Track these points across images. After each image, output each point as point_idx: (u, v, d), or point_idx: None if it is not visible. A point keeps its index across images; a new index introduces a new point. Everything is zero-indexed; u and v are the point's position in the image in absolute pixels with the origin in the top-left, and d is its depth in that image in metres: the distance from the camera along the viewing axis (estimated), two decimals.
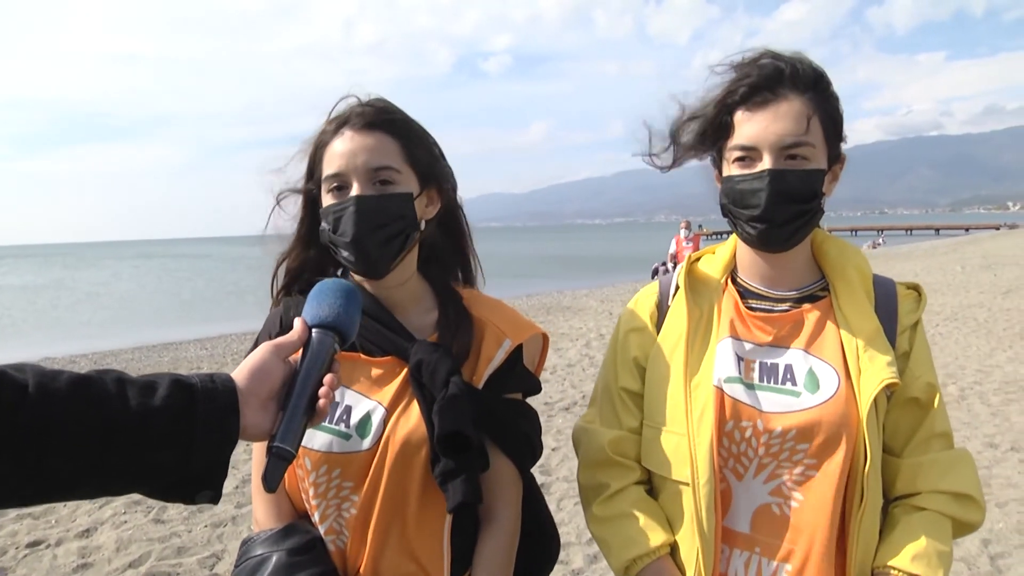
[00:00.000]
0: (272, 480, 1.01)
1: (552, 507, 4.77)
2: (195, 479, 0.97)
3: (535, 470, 5.14)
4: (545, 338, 1.56)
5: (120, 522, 4.81)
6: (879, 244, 52.99)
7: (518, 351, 1.47)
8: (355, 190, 1.37)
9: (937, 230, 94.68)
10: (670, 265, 15.56)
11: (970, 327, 11.74)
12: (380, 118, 1.41)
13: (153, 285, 41.33)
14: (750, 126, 1.36)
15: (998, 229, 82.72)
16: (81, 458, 0.88)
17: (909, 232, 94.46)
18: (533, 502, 1.55)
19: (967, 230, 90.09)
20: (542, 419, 6.24)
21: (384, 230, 1.37)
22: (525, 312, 16.45)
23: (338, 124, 1.41)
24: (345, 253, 1.39)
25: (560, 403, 7.63)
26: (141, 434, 0.91)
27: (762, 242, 1.40)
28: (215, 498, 0.99)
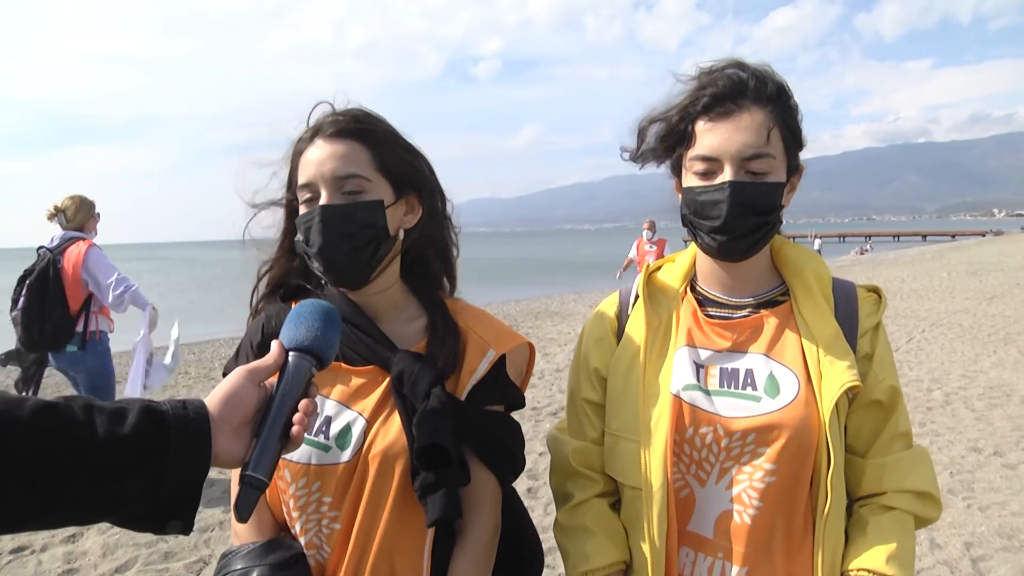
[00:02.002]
0: (244, 510, 0.99)
1: (539, 511, 4.79)
2: (165, 508, 0.94)
3: (523, 474, 5.10)
4: (531, 348, 1.54)
5: (106, 527, 4.78)
6: (867, 250, 53.31)
7: (501, 362, 1.44)
8: (323, 199, 1.34)
9: (924, 237, 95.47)
10: (619, 273, 13.79)
11: (955, 332, 11.83)
12: (351, 126, 1.38)
13: (142, 287, 41.01)
14: (711, 137, 1.37)
15: (984, 236, 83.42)
16: (45, 487, 0.86)
17: (897, 238, 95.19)
18: (516, 516, 1.53)
19: (953, 237, 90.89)
20: (530, 424, 6.23)
21: (351, 240, 1.34)
22: (514, 317, 16.48)
23: (312, 133, 1.39)
24: (315, 264, 1.37)
25: (548, 408, 7.63)
26: (109, 463, 0.89)
27: (722, 253, 1.42)
28: (186, 528, 0.97)
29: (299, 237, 1.38)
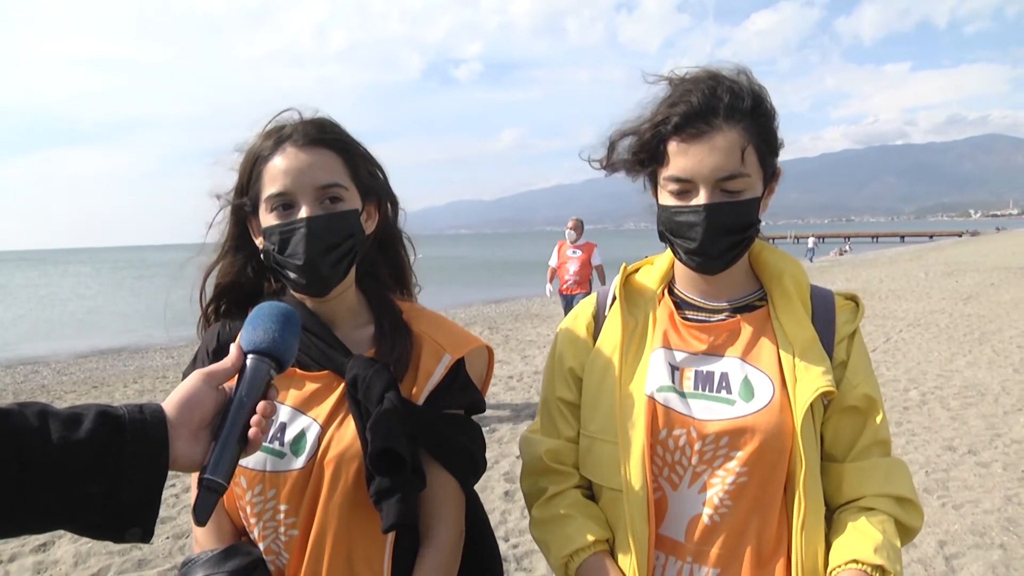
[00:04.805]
0: (202, 514, 0.98)
1: (516, 514, 4.79)
2: (124, 515, 0.92)
3: (500, 478, 5.11)
4: (489, 351, 1.53)
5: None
6: (846, 251, 53.72)
7: (458, 366, 1.44)
8: (304, 211, 1.31)
9: (902, 237, 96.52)
10: (548, 288, 10.88)
11: (932, 332, 11.96)
12: (323, 135, 1.36)
13: (121, 292, 40.61)
14: (684, 159, 1.34)
15: (960, 236, 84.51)
16: None
17: (875, 239, 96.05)
18: (476, 522, 1.51)
19: (931, 237, 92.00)
20: (508, 426, 6.23)
21: (336, 250, 1.33)
22: (493, 319, 16.48)
23: (278, 140, 1.36)
24: (294, 275, 1.34)
25: (526, 411, 7.63)
26: (63, 469, 0.88)
27: (700, 270, 1.42)
28: (145, 536, 0.94)
29: (269, 246, 1.35)
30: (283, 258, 1.33)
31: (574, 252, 10.01)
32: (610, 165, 1.51)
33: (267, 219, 1.35)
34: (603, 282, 9.44)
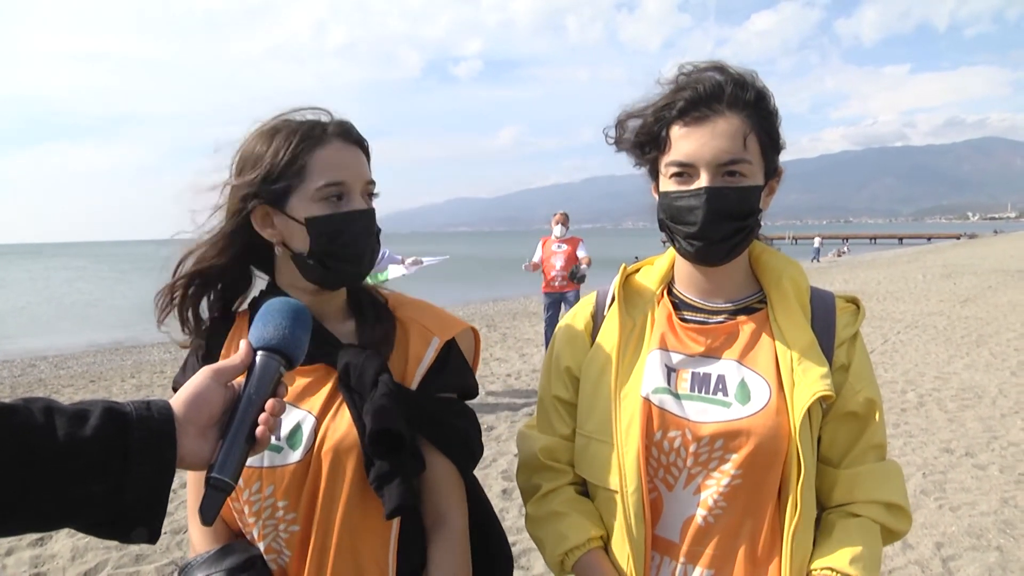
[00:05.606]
0: (209, 513, 0.97)
1: (515, 512, 4.79)
2: (129, 514, 0.91)
3: (498, 476, 5.09)
4: (475, 333, 1.55)
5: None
6: (844, 252, 53.77)
7: (448, 349, 1.45)
8: (357, 203, 1.37)
9: (900, 239, 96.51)
10: (526, 264, 10.18)
11: (930, 334, 11.97)
12: (360, 137, 1.42)
13: (119, 286, 40.53)
14: (687, 143, 1.35)
15: (959, 239, 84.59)
16: (3, 493, 0.84)
17: (873, 241, 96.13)
18: (480, 508, 1.52)
19: (929, 239, 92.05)
20: (506, 424, 6.22)
21: (375, 240, 1.42)
22: (491, 317, 16.49)
23: (322, 132, 1.36)
24: (332, 263, 1.35)
25: (525, 409, 7.64)
26: (69, 466, 0.87)
27: (700, 258, 1.41)
28: (152, 537, 0.93)
29: (318, 235, 1.33)
30: (332, 247, 1.35)
31: (559, 247, 9.64)
32: (619, 142, 1.51)
33: (312, 208, 1.34)
34: (588, 265, 9.44)
